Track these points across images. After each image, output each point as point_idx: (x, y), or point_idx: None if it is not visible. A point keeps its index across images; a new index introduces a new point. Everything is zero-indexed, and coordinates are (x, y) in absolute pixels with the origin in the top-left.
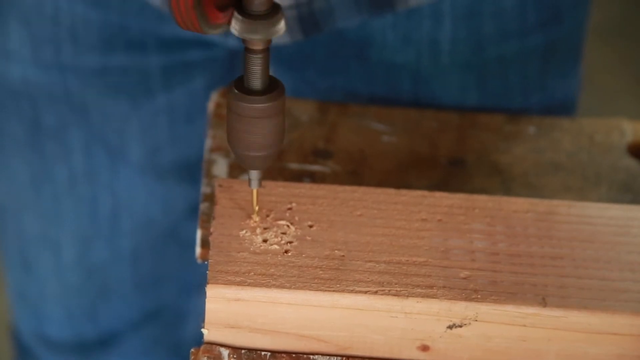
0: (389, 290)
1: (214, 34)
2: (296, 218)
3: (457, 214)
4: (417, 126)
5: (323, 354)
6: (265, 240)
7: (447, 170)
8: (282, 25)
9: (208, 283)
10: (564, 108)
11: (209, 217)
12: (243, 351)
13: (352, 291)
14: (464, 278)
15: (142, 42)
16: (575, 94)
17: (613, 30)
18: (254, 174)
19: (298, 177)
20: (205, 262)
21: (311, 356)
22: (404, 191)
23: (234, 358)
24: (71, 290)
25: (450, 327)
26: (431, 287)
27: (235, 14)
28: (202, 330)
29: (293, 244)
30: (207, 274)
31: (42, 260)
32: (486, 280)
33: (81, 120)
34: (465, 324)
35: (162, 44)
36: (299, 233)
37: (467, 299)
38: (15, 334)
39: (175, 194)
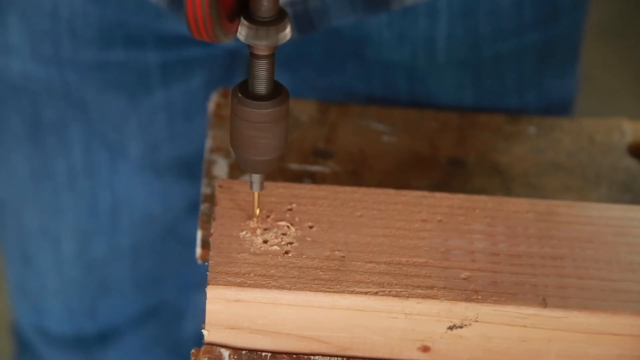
0: (390, 291)
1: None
2: (296, 219)
3: (457, 215)
4: (417, 126)
5: (323, 355)
6: (265, 241)
7: (447, 171)
8: (288, 31)
9: (208, 284)
10: (561, 107)
11: (209, 217)
12: (243, 352)
13: (352, 292)
14: (465, 279)
15: (141, 38)
16: (572, 94)
17: (613, 30)
18: (256, 178)
19: (298, 177)
20: (206, 263)
21: (311, 357)
22: (404, 192)
23: (235, 359)
24: (71, 285)
25: (450, 327)
26: (431, 287)
27: (242, 20)
28: (203, 331)
29: (293, 244)
30: (207, 274)
31: (41, 255)
32: (486, 281)
33: (80, 115)
34: (465, 325)
35: (160, 41)
36: (299, 234)
37: (468, 299)
38: (15, 329)
39: (174, 191)
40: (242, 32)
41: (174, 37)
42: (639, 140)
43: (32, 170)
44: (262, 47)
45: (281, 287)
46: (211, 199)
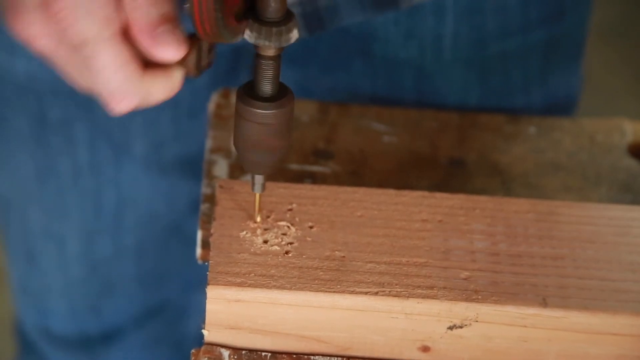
0: (390, 291)
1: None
2: (297, 219)
3: (457, 215)
4: (418, 126)
5: (323, 355)
6: (265, 241)
7: (447, 171)
8: (295, 32)
9: (208, 284)
10: (566, 105)
11: (209, 217)
12: (244, 352)
13: (352, 292)
14: (465, 279)
15: None
16: (576, 91)
17: (614, 30)
18: (258, 179)
19: (299, 177)
20: (206, 263)
21: (312, 357)
22: (404, 192)
23: (235, 359)
24: (75, 284)
25: (450, 327)
26: (432, 287)
27: (250, 21)
28: (203, 331)
29: (293, 244)
30: (207, 274)
31: (46, 254)
32: (487, 281)
33: (86, 114)
34: (465, 325)
35: None
36: (299, 234)
37: (468, 299)
38: (19, 328)
39: (179, 190)
40: (250, 32)
41: None
42: (639, 141)
43: (37, 169)
44: (268, 48)
45: (281, 287)
46: (211, 199)
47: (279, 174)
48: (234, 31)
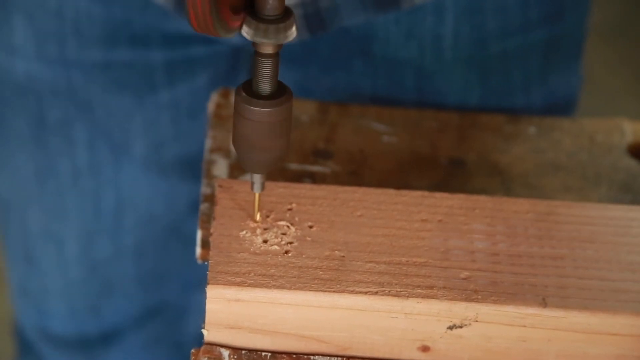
0: (389, 291)
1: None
2: (296, 219)
3: (457, 215)
4: (417, 126)
5: (323, 355)
6: (265, 241)
7: (447, 171)
8: (293, 30)
9: (208, 284)
10: (566, 105)
11: (209, 217)
12: (243, 352)
13: (352, 292)
14: (464, 278)
15: (146, 37)
16: (576, 90)
17: (613, 30)
18: (257, 178)
19: (298, 177)
20: (205, 263)
21: (311, 357)
22: (404, 192)
23: (235, 359)
24: (74, 285)
25: (450, 327)
26: (431, 287)
27: (248, 17)
28: (203, 331)
29: (293, 244)
30: (207, 274)
31: (45, 255)
32: (486, 281)
33: (85, 115)
34: (465, 325)
35: (165, 40)
36: (299, 233)
37: (468, 299)
38: (18, 329)
39: (179, 190)
40: (248, 30)
41: (178, 37)
42: (639, 141)
43: (36, 170)
44: (266, 45)
45: (281, 287)
46: (211, 199)
47: (279, 173)
48: (228, 25)
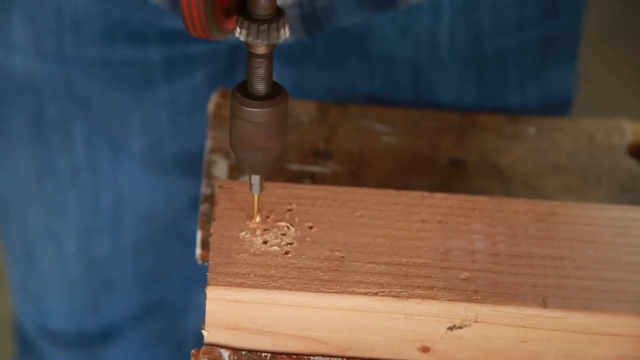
0: (389, 292)
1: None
2: (296, 219)
3: (457, 215)
4: (417, 126)
5: (323, 355)
6: (265, 242)
7: (447, 171)
8: (285, 30)
9: (208, 284)
10: (562, 103)
11: (209, 218)
12: (243, 352)
13: (352, 292)
14: (464, 279)
15: (144, 34)
16: (572, 89)
17: (612, 29)
18: (256, 179)
19: (298, 178)
20: (205, 263)
21: (311, 357)
22: (404, 192)
23: (234, 359)
24: (73, 283)
25: (450, 328)
26: (431, 288)
27: (240, 18)
28: (203, 331)
29: (293, 245)
30: (207, 275)
31: (44, 253)
32: (486, 281)
33: (84, 112)
34: (465, 325)
35: (163, 37)
36: (299, 234)
37: (468, 300)
38: (18, 327)
39: (177, 188)
40: (239, 30)
41: (176, 34)
42: (639, 141)
43: (35, 167)
44: (259, 46)
45: (281, 288)
46: (211, 200)
47: (279, 174)
48: (223, 28)
